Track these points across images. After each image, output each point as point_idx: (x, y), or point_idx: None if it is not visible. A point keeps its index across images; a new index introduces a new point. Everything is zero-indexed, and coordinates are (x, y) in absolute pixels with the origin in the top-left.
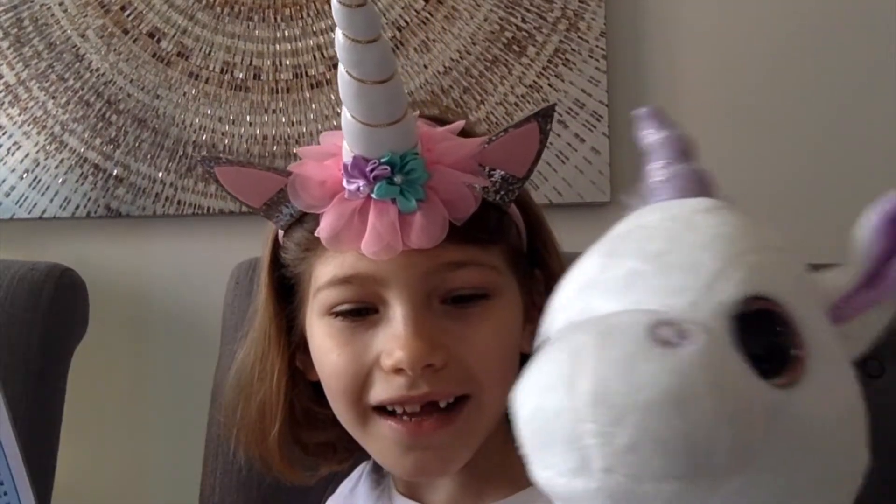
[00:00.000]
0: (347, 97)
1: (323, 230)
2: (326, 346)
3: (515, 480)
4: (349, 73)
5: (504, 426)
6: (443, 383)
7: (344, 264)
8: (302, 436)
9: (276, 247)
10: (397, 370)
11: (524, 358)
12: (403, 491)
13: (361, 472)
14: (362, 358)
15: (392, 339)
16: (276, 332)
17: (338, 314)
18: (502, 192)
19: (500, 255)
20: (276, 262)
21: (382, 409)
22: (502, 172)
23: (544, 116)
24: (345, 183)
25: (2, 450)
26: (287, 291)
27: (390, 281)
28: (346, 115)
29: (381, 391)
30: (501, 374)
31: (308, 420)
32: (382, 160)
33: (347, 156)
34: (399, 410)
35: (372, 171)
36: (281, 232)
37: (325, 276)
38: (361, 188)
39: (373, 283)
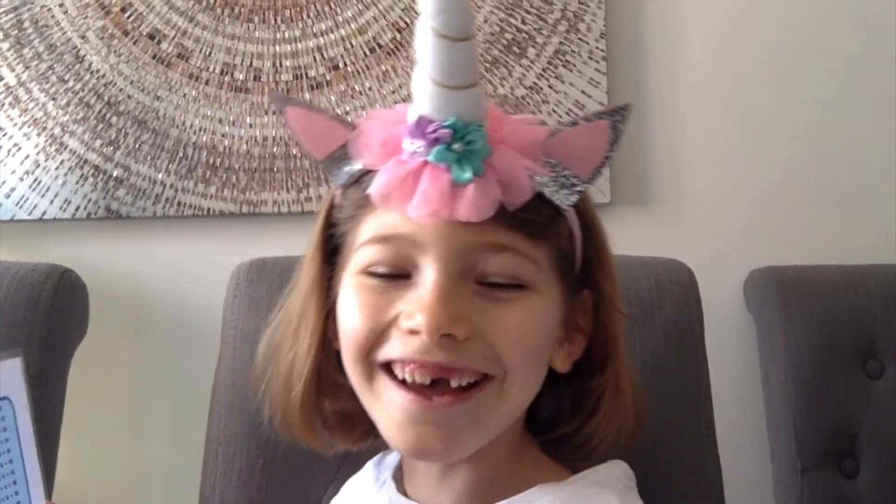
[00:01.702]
0: (425, 52)
1: (375, 187)
2: (351, 300)
3: (522, 482)
4: (432, 27)
5: (517, 429)
6: (462, 356)
7: (387, 224)
8: (323, 403)
9: (331, 208)
10: (414, 332)
11: (553, 375)
12: (407, 493)
13: (364, 474)
14: (382, 313)
15: (416, 301)
16: (316, 293)
17: (371, 274)
18: (564, 191)
19: (547, 253)
20: (328, 223)
21: (392, 373)
22: (566, 170)
23: (617, 115)
24: (404, 143)
25: (18, 441)
26: (332, 254)
27: (428, 247)
28: (419, 73)
29: (394, 349)
30: (527, 364)
31: (331, 388)
32: (446, 123)
33: (413, 117)
34: (409, 378)
35: (433, 132)
36: (339, 192)
37: (367, 234)
38: (420, 150)
39: (411, 245)
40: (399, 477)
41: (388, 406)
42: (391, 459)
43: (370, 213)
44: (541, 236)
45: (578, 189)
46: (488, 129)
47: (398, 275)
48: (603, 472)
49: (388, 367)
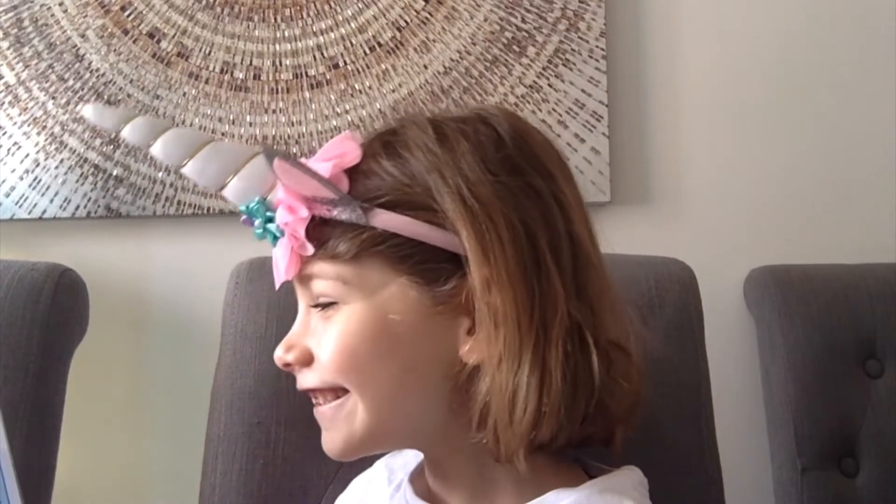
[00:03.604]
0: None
1: None
2: None
3: (539, 485)
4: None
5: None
6: (310, 378)
7: None
8: None
9: None
10: None
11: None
12: (421, 495)
13: (374, 473)
14: None
15: None
16: None
17: None
18: (346, 211)
19: (367, 262)
20: None
21: None
22: (325, 196)
23: (269, 155)
24: None
25: None
26: None
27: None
28: None
29: None
30: (354, 373)
31: None
32: (242, 212)
33: None
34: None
35: (245, 220)
36: None
37: None
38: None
39: None
40: (417, 479)
41: None
42: (404, 460)
43: None
44: (348, 254)
45: (344, 204)
46: (277, 193)
47: None
48: (619, 479)
49: None
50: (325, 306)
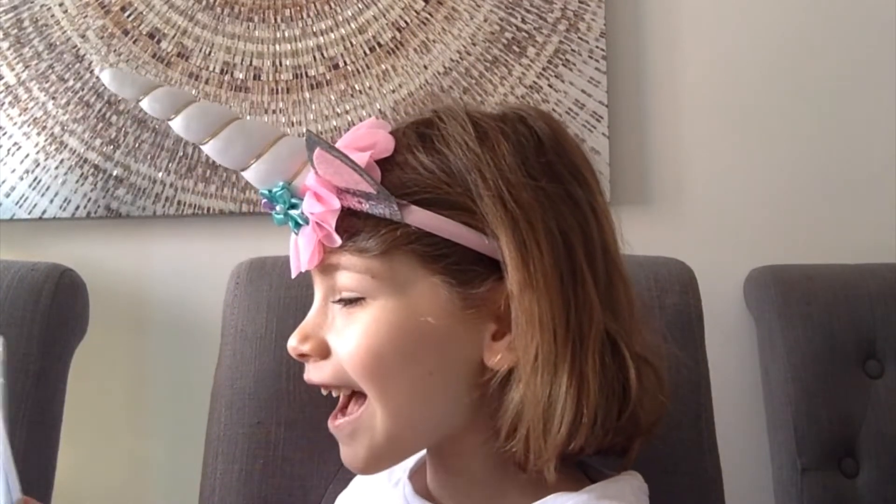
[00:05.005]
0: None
1: None
2: None
3: (540, 489)
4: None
5: (492, 449)
6: (321, 373)
7: None
8: None
9: None
10: None
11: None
12: (420, 493)
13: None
14: None
15: None
16: None
17: None
18: (380, 206)
19: (398, 258)
20: None
21: None
22: (361, 189)
23: (311, 143)
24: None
25: None
26: None
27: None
28: None
29: None
30: (376, 375)
31: None
32: (263, 195)
33: None
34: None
35: (265, 203)
36: None
37: None
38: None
39: None
40: (416, 477)
41: None
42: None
43: None
44: (377, 249)
45: (379, 199)
46: (303, 179)
47: None
48: (619, 485)
49: None
50: (348, 302)
